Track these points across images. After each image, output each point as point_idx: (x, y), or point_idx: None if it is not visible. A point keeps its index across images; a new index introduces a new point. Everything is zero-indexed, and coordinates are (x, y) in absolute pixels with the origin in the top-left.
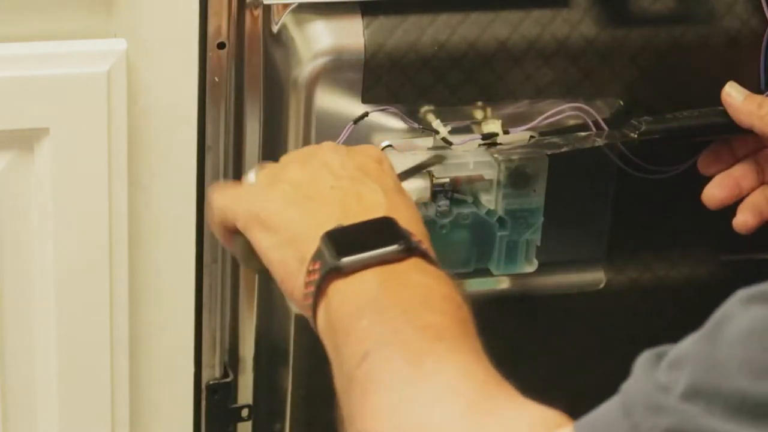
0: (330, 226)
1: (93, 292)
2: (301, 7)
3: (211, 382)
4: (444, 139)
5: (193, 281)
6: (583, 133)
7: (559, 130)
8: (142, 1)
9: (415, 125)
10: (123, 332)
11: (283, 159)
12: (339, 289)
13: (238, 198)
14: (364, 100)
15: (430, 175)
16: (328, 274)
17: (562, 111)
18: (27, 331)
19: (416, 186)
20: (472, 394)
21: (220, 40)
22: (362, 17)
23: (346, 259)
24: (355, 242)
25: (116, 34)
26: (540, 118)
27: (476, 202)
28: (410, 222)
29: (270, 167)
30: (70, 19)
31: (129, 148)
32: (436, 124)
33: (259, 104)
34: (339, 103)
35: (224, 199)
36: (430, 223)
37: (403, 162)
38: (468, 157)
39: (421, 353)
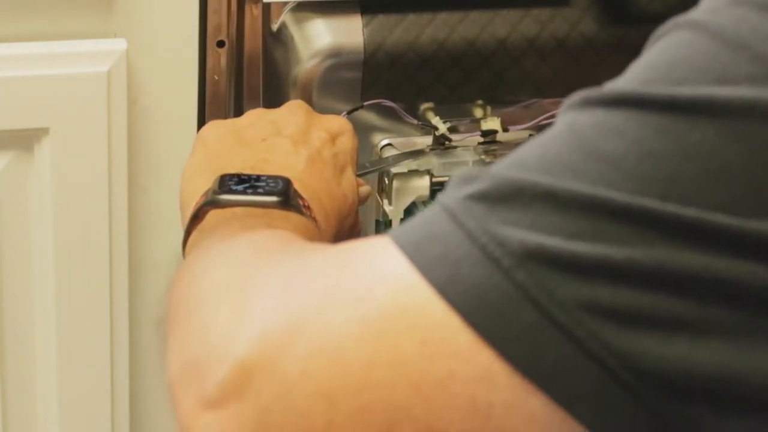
0: (236, 170)
1: (93, 292)
2: (300, 6)
3: None
4: (443, 136)
5: None
6: None
7: None
8: (142, 1)
9: (414, 121)
10: (123, 332)
11: (259, 109)
12: (212, 216)
13: (203, 127)
14: (364, 99)
15: (430, 174)
16: (205, 206)
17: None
18: (27, 331)
19: (416, 185)
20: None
21: (219, 39)
22: (361, 16)
23: (223, 196)
24: (240, 186)
25: (116, 34)
26: (540, 118)
27: None
28: (315, 192)
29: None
30: (70, 19)
31: (129, 148)
32: (435, 120)
33: (258, 103)
34: (338, 101)
35: None
36: None
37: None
38: (467, 157)
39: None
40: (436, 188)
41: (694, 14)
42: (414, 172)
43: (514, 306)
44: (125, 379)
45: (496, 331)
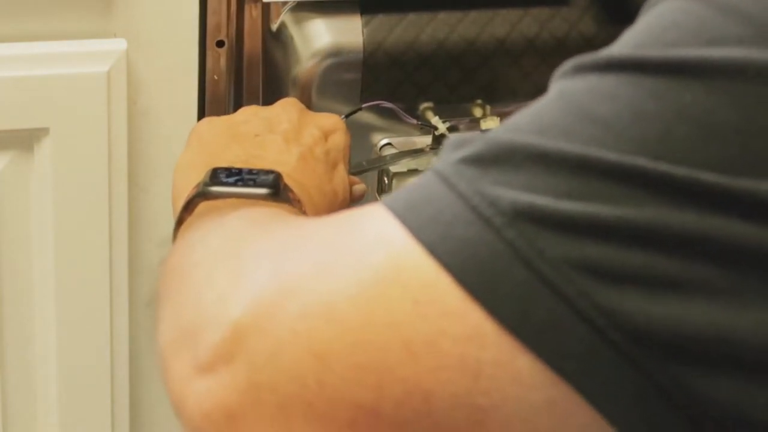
0: (228, 164)
1: (93, 292)
2: (300, 5)
3: None
4: (443, 136)
5: None
6: None
7: None
8: (142, 1)
9: (413, 121)
10: (123, 332)
11: (253, 105)
12: (203, 207)
13: (197, 123)
14: (363, 98)
15: None
16: (197, 197)
17: None
18: (27, 331)
19: None
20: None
21: (219, 39)
22: (361, 15)
23: (214, 188)
24: (231, 179)
25: (116, 34)
26: None
27: None
28: (305, 188)
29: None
30: (70, 19)
31: (129, 148)
32: (435, 120)
33: (258, 103)
34: (338, 101)
35: None
36: None
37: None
38: None
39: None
40: None
41: None
42: (413, 172)
43: (504, 264)
44: (125, 379)
45: (485, 288)
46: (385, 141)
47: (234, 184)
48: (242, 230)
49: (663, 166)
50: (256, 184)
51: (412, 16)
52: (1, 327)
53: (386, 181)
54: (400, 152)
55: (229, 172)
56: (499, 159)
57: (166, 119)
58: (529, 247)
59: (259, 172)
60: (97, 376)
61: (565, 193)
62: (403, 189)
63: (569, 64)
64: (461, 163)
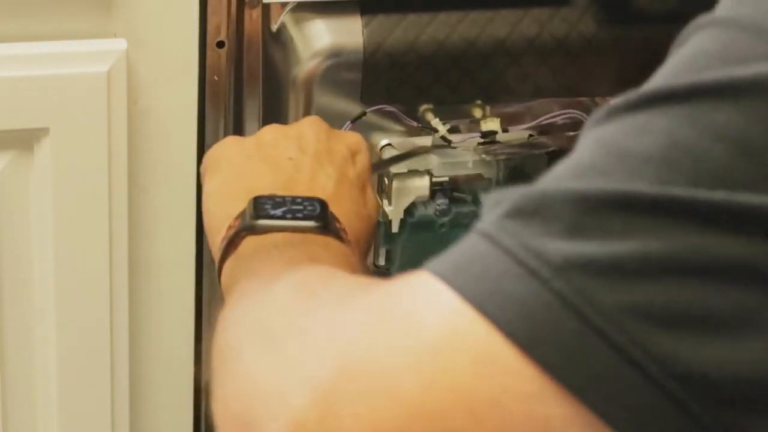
0: (267, 191)
1: (93, 292)
2: (300, 6)
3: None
4: (443, 137)
5: (193, 281)
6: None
7: (558, 128)
8: (142, 1)
9: (414, 124)
10: (123, 332)
11: (275, 125)
12: (249, 243)
13: (219, 144)
14: (363, 99)
15: (430, 174)
16: (241, 231)
17: (562, 111)
18: (27, 331)
19: (416, 185)
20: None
21: (219, 39)
22: (361, 16)
23: (261, 222)
24: (278, 211)
25: (116, 34)
26: (541, 118)
27: (475, 201)
28: (347, 215)
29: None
30: (70, 19)
31: (129, 148)
32: (435, 122)
33: (258, 103)
34: (338, 101)
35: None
36: (429, 222)
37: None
38: (467, 156)
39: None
40: (436, 188)
41: (711, 14)
42: (414, 172)
43: (553, 316)
44: (125, 380)
45: (536, 342)
46: (385, 142)
47: (282, 217)
48: (288, 305)
49: (702, 193)
50: (304, 216)
51: (412, 17)
52: (1, 327)
53: (386, 182)
54: (400, 154)
55: (274, 201)
56: (540, 209)
57: (166, 119)
58: (577, 295)
59: (304, 201)
60: (97, 376)
61: (609, 233)
62: (447, 254)
63: (602, 110)
64: (503, 219)
